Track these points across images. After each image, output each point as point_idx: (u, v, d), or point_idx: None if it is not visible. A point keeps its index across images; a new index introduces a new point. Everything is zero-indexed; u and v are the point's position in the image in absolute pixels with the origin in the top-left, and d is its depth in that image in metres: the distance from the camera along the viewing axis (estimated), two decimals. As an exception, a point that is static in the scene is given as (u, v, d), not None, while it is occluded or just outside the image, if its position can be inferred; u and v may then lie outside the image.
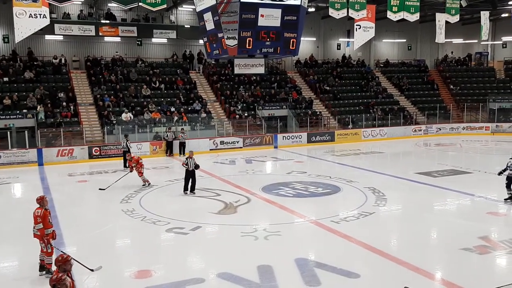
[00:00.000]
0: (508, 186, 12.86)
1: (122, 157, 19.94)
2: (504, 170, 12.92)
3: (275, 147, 25.48)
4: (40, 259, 8.41)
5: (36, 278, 8.32)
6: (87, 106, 25.84)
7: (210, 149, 23.99)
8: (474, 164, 20.06)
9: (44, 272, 8.32)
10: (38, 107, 23.55)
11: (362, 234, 10.43)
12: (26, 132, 21.39)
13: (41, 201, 8.44)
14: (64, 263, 5.90)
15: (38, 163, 20.52)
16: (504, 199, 13.00)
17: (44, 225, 8.24)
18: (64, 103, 24.57)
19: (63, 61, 27.92)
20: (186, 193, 14.47)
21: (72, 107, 24.60)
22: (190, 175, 14.50)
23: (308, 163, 21.74)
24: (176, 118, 25.01)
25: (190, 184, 14.57)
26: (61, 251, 8.40)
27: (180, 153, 22.72)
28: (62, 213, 12.31)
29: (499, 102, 32.04)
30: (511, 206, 12.78)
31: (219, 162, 21.34)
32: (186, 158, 14.68)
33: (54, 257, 8.44)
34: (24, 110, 23.50)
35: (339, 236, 10.41)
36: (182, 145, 22.75)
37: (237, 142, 24.78)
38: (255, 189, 14.47)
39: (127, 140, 20.08)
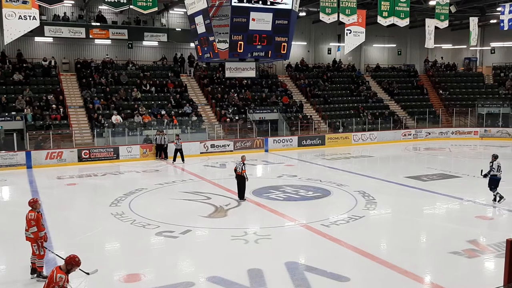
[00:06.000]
0: (491, 188, 13.24)
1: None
2: (489, 172, 13.24)
3: (266, 150, 25.51)
4: (31, 262, 8.34)
5: (27, 281, 8.25)
6: (77, 109, 25.67)
7: (201, 153, 23.95)
8: (463, 168, 20.22)
9: (35, 275, 8.26)
10: (25, 109, 23.35)
11: (352, 237, 10.47)
12: (14, 134, 21.19)
13: (34, 204, 8.35)
14: (74, 263, 6.23)
15: (27, 165, 20.32)
16: (493, 200, 13.31)
17: (38, 228, 8.18)
18: (54, 106, 24.38)
19: (52, 63, 27.70)
20: (245, 199, 13.99)
21: (61, 109, 24.42)
22: (243, 180, 13.91)
23: (298, 167, 21.78)
24: (166, 121, 24.91)
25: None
26: (55, 254, 8.36)
27: (175, 159, 21.78)
28: (51, 217, 12.18)
29: (487, 107, 32.43)
30: (500, 210, 12.94)
31: (210, 166, 21.31)
32: (244, 164, 13.90)
33: (45, 260, 8.41)
34: (13, 113, 23.29)
35: (329, 239, 10.43)
36: (178, 152, 21.71)
37: (228, 145, 24.76)
38: (246, 192, 14.42)
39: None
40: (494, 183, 13.24)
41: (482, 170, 13.58)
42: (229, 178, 15.95)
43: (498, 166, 13.15)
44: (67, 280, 6.09)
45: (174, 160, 21.75)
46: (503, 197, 13.29)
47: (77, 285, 7.88)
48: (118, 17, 29.14)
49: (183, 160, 21.61)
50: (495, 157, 13.35)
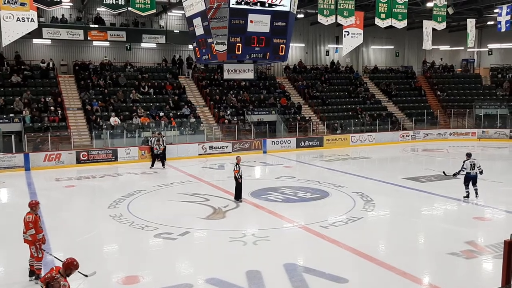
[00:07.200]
0: (465, 185, 13.83)
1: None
2: (459, 172, 13.84)
3: (264, 152, 25.52)
4: (29, 264, 8.35)
5: (26, 283, 8.25)
6: (75, 111, 25.65)
7: (199, 154, 23.94)
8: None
9: (34, 277, 8.26)
10: (24, 111, 23.32)
11: (350, 239, 10.48)
12: (12, 136, 21.16)
13: (34, 206, 8.35)
14: (73, 267, 6.13)
15: (25, 167, 20.28)
16: (463, 197, 13.86)
17: (36, 230, 8.18)
18: (52, 108, 24.36)
19: (51, 65, 27.68)
20: (241, 200, 13.99)
21: (60, 111, 24.40)
22: (236, 181, 13.93)
23: (297, 168, 21.79)
24: (163, 122, 24.89)
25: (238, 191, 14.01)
26: (53, 256, 8.35)
27: (152, 165, 20.65)
28: (49, 219, 12.17)
29: (485, 108, 32.48)
30: (499, 211, 12.98)
31: (208, 167, 21.32)
32: (237, 165, 13.82)
33: (43, 262, 8.41)
34: (11, 115, 23.25)
35: (328, 241, 10.45)
36: (157, 157, 20.79)
37: (226, 147, 24.77)
38: (244, 194, 14.46)
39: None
40: (467, 180, 13.83)
41: (444, 172, 14.67)
42: (227, 180, 15.96)
43: (471, 164, 13.64)
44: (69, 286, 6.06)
45: (152, 165, 20.66)
46: (468, 196, 13.85)
47: (76, 287, 7.88)
48: (116, 19, 29.14)
49: (163, 164, 20.78)
50: (468, 155, 13.91)
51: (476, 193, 13.80)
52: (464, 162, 13.80)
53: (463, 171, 13.74)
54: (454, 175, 14.10)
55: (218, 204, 13.77)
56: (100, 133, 23.26)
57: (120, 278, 8.54)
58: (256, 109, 28.92)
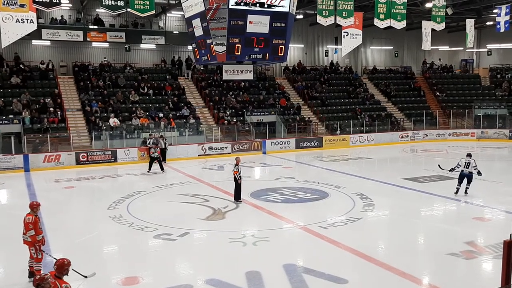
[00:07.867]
0: (459, 181, 14.23)
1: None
2: (453, 168, 14.33)
3: (264, 152, 25.52)
4: (29, 266, 8.35)
5: (25, 284, 8.24)
6: (75, 112, 25.66)
7: (199, 155, 23.94)
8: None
9: (33, 278, 8.24)
10: (23, 112, 23.32)
11: (350, 239, 10.48)
12: (12, 137, 21.15)
13: (35, 207, 8.37)
14: (65, 266, 6.03)
15: (24, 169, 20.28)
16: (454, 193, 14.28)
17: (36, 232, 8.18)
18: (51, 109, 24.35)
19: (50, 66, 27.69)
20: (241, 201, 14.01)
21: (59, 112, 24.39)
22: (235, 182, 13.94)
23: (296, 169, 21.80)
24: (163, 123, 24.88)
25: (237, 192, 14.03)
26: (53, 257, 8.34)
27: (149, 169, 19.83)
28: (49, 220, 12.16)
29: (484, 109, 32.50)
30: (498, 212, 12.99)
31: (208, 168, 21.32)
32: (237, 165, 13.78)
33: (43, 263, 8.41)
34: (11, 116, 23.24)
35: (327, 241, 10.45)
36: (153, 160, 19.71)
37: (226, 148, 24.77)
38: (244, 194, 14.46)
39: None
40: (461, 177, 14.22)
41: (439, 165, 15.65)
42: (227, 181, 15.96)
43: (465, 163, 14.07)
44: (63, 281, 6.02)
45: (149, 169, 19.78)
46: (456, 193, 14.26)
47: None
48: (116, 20, 29.14)
49: (161, 168, 19.83)
50: (467, 155, 14.42)
51: (466, 190, 14.18)
52: (460, 159, 14.26)
53: (458, 167, 14.19)
54: (450, 170, 14.54)
55: (218, 205, 13.76)
56: (99, 134, 23.26)
57: (120, 279, 8.53)
58: (255, 110, 28.93)
